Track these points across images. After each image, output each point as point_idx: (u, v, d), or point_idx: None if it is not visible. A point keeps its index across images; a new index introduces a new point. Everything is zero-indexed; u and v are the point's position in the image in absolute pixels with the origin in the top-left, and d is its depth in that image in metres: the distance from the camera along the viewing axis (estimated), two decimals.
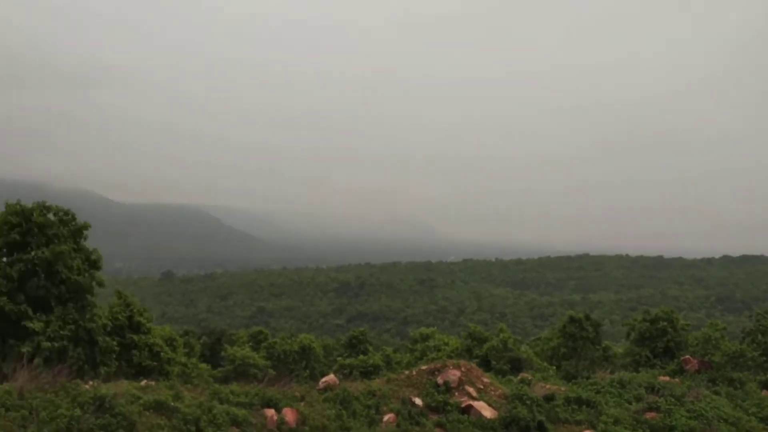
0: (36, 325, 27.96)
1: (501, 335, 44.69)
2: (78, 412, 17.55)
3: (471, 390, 25.63)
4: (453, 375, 26.14)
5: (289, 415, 21.03)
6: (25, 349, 26.27)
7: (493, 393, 26.18)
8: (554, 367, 41.54)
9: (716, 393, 30.50)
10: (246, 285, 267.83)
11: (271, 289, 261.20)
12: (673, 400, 28.25)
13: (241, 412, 20.18)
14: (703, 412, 27.28)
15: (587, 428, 25.10)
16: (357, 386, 25.25)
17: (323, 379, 25.37)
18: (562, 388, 29.11)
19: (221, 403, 20.41)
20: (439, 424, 23.15)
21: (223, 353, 58.58)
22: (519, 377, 30.22)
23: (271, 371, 44.32)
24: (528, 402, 25.31)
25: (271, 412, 20.88)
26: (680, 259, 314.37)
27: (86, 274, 30.22)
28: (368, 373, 43.26)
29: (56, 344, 27.52)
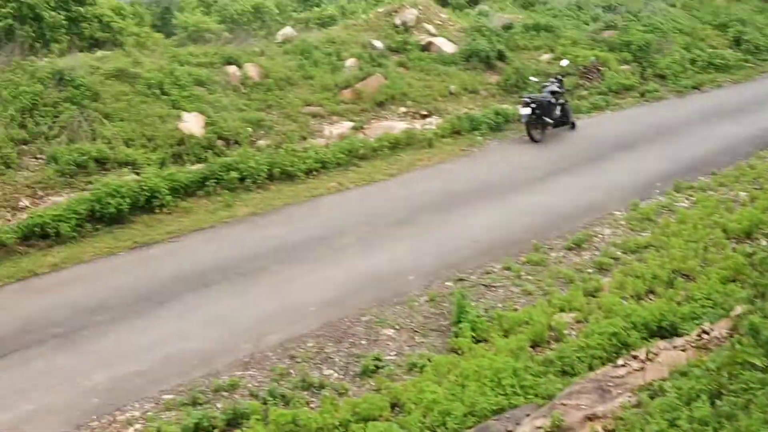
0: None
1: None
2: (40, 87, 17.35)
3: (430, 27, 25.50)
4: (410, 14, 25.82)
5: (252, 69, 20.96)
6: None
7: (451, 28, 26.10)
8: None
9: (672, 5, 30.73)
10: None
11: None
12: (630, 16, 28.49)
13: (203, 72, 20.03)
14: (659, 24, 27.68)
15: (546, 52, 25.48)
16: (316, 36, 25.01)
17: (280, 32, 25.05)
18: (520, 16, 29.06)
19: (182, 65, 20.18)
20: (401, 64, 23.29)
21: (174, 21, 57.32)
22: (476, 10, 30.02)
23: (226, 33, 43.66)
24: (487, 33, 25.35)
25: (233, 69, 20.77)
26: None
27: None
28: (325, 24, 42.81)
29: (1, 23, 26.57)
